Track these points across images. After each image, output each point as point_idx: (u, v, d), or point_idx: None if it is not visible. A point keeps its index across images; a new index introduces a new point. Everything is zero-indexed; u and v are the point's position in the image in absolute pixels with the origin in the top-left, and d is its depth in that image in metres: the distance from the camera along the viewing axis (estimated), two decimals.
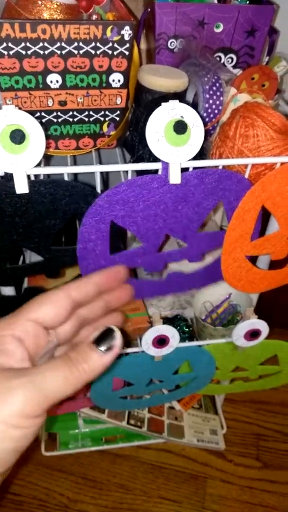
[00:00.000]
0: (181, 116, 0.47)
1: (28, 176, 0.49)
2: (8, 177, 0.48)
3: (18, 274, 0.59)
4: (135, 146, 0.58)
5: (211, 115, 0.61)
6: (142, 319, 0.82)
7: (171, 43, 0.64)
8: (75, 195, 0.51)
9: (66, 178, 0.52)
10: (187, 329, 0.88)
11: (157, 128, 0.47)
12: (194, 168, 0.52)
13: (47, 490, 1.09)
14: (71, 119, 0.59)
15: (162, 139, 0.47)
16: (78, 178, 0.64)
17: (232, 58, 0.70)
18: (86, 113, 0.59)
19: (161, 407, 1.14)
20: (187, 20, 0.64)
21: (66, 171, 0.50)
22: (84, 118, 0.59)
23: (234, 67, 0.70)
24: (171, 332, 0.75)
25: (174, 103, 0.47)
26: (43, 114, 0.58)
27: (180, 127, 0.47)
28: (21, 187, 0.48)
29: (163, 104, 0.47)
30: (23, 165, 0.46)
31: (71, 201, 0.51)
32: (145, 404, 1.05)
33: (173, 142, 0.47)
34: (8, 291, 0.70)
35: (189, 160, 0.49)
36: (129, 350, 0.82)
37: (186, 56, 0.64)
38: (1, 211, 0.51)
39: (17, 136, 0.45)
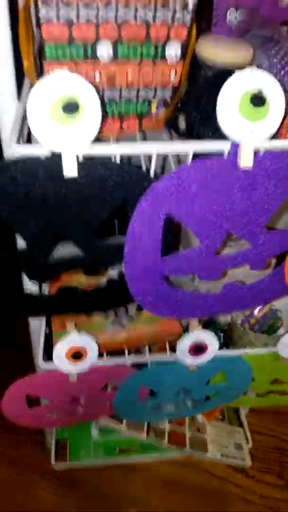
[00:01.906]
0: (259, 87, 0.41)
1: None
2: (53, 157, 0.41)
3: (53, 269, 0.52)
4: (193, 128, 0.51)
5: None
6: (174, 324, 0.75)
7: (230, 13, 0.58)
8: (128, 180, 0.44)
9: (116, 160, 0.45)
10: (221, 335, 0.81)
11: (230, 100, 0.40)
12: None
13: (53, 503, 1.02)
14: (118, 97, 0.52)
15: (235, 113, 0.41)
16: None
17: None
18: (135, 90, 0.52)
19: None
20: None
21: (117, 151, 0.44)
22: (132, 96, 0.53)
23: None
24: (210, 339, 0.68)
25: (251, 71, 0.40)
26: None
27: (258, 99, 0.40)
28: (70, 169, 0.41)
29: (237, 72, 0.40)
30: (74, 143, 0.40)
31: (123, 186, 0.45)
32: (170, 416, 0.98)
33: (249, 116, 0.41)
34: (33, 288, 0.63)
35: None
36: (159, 357, 0.75)
37: (246, 30, 0.57)
38: (42, 195, 0.44)
39: (71, 107, 0.38)
